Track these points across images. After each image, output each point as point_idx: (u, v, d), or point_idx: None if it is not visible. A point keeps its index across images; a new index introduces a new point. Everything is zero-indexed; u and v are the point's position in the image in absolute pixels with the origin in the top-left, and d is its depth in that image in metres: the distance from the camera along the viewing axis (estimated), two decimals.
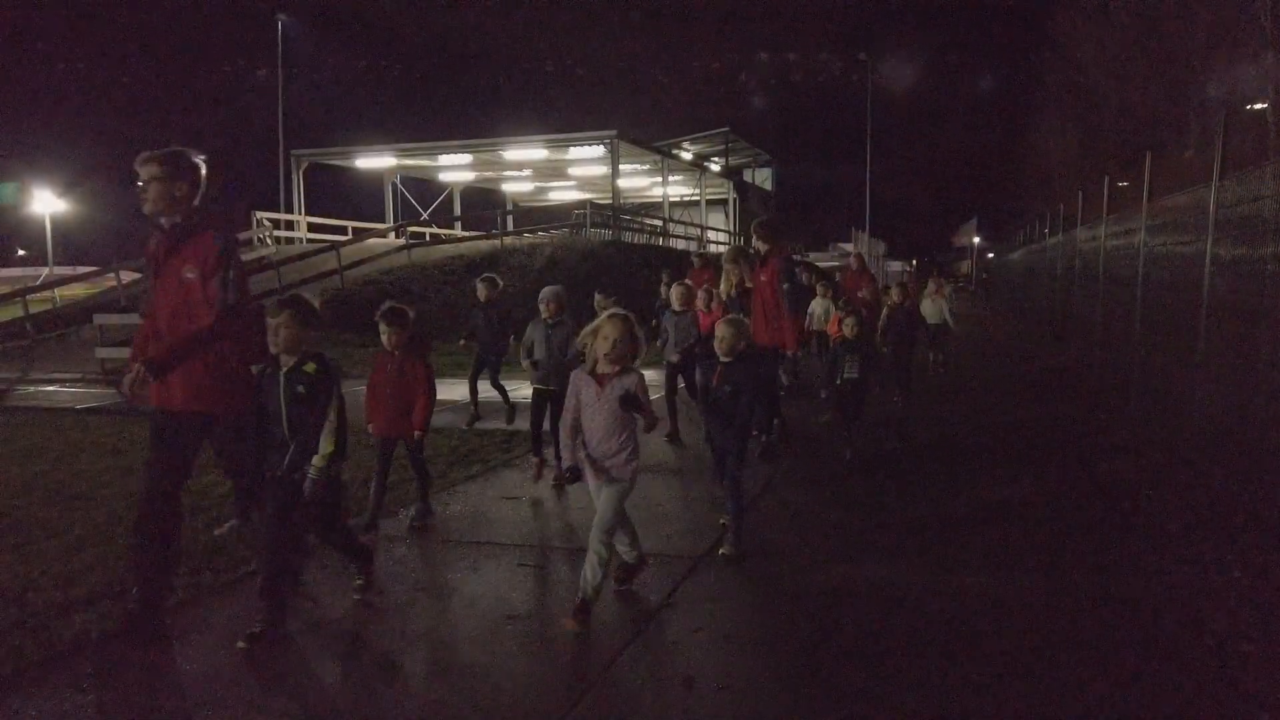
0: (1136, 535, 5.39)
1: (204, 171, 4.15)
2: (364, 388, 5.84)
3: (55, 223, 44.89)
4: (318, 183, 36.87)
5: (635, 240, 31.72)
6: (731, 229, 42.41)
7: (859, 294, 12.80)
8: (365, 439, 6.87)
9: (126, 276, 23.17)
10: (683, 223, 37.46)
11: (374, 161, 36.76)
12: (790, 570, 4.92)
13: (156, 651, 3.86)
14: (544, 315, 6.86)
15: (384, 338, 5.59)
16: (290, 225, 32.43)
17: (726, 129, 42.39)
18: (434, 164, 37.44)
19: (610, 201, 32.15)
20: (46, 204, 44.07)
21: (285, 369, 3.98)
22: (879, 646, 3.89)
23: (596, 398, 4.15)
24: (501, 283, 9.33)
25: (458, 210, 41.67)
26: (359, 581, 4.53)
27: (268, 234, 29.83)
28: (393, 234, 29.58)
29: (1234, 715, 3.32)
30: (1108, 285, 11.79)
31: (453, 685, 3.58)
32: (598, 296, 9.92)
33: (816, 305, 13.00)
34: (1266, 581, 4.46)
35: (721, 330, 5.11)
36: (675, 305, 8.62)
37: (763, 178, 49.91)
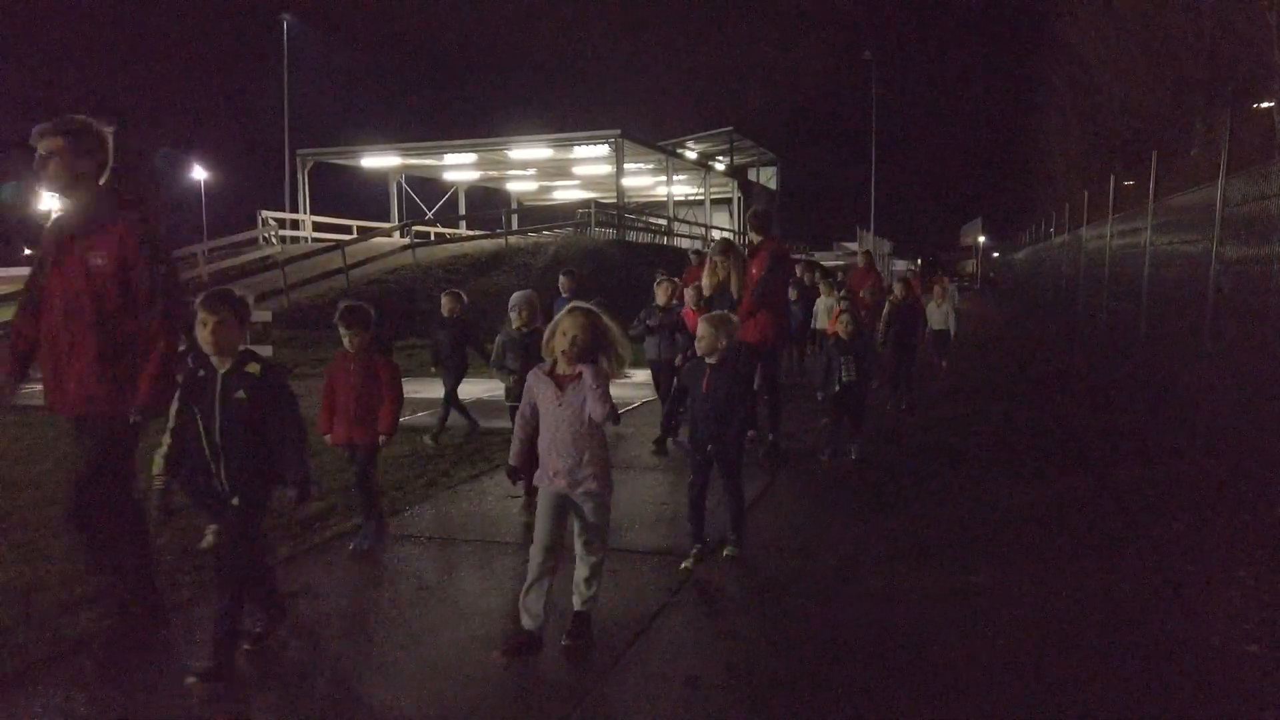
0: (1140, 535, 5.37)
1: (111, 146, 3.74)
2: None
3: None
4: (323, 182, 36.98)
5: (640, 240, 31.73)
6: (736, 228, 42.37)
7: (860, 293, 12.49)
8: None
9: None
10: (687, 222, 37.45)
11: (379, 161, 36.81)
12: (792, 572, 4.91)
13: (159, 652, 3.86)
14: (515, 324, 6.25)
15: (345, 340, 5.16)
16: (295, 225, 32.48)
17: (731, 128, 42.40)
18: (439, 163, 37.50)
19: (615, 201, 32.15)
20: (51, 203, 44.20)
21: (223, 370, 3.56)
22: (881, 647, 3.88)
23: (556, 402, 3.71)
24: (466, 298, 8.70)
25: (462, 209, 41.73)
26: (258, 630, 3.84)
27: (273, 233, 29.88)
28: (397, 233, 29.63)
29: (1239, 717, 3.31)
30: (1113, 285, 11.77)
31: (457, 684, 3.58)
32: (562, 279, 9.59)
33: (820, 304, 12.72)
34: (1272, 581, 4.44)
35: (702, 329, 4.85)
36: (659, 301, 8.40)
37: (767, 176, 49.89)
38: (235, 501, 3.54)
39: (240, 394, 3.52)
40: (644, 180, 41.67)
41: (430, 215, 39.19)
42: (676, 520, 5.83)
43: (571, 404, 3.69)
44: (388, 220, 36.23)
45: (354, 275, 21.21)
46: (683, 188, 43.21)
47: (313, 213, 33.98)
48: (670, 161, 36.70)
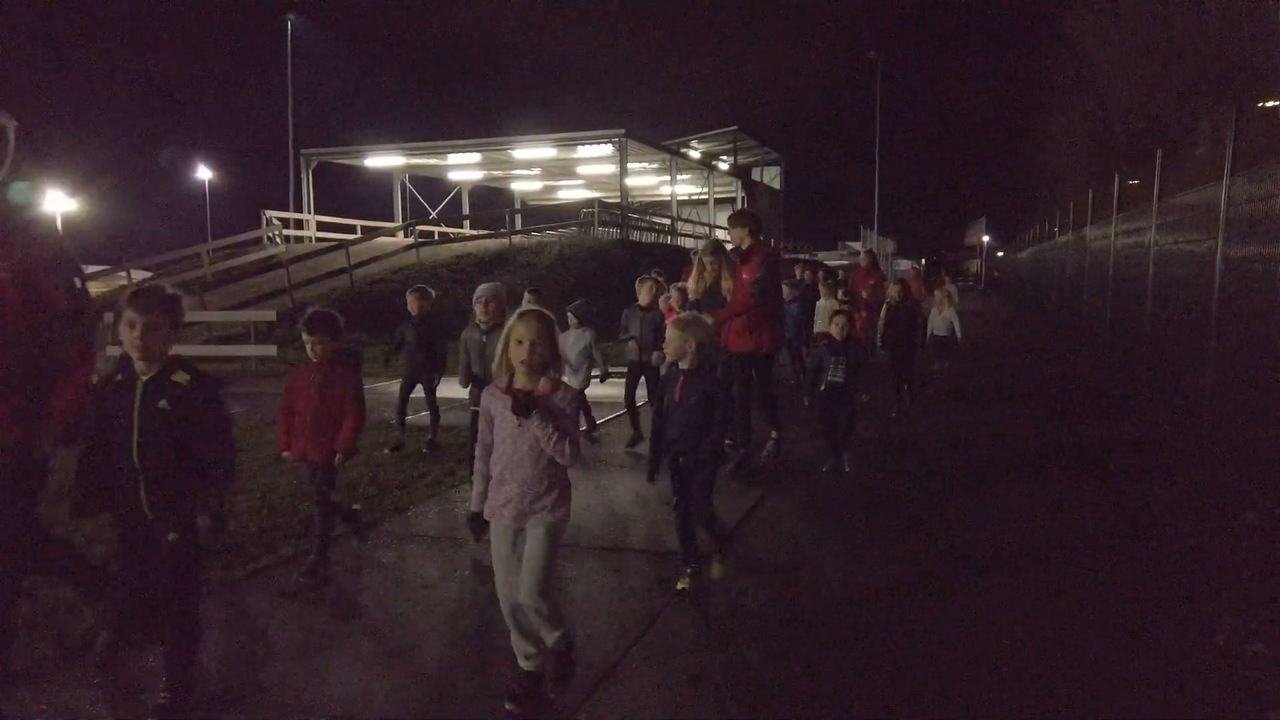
0: (1145, 535, 5.37)
1: (13, 140, 3.40)
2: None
3: (67, 221, 45.16)
4: (327, 182, 37.02)
5: (644, 239, 31.74)
6: None
7: (862, 292, 11.97)
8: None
9: (138, 275, 23.29)
10: (691, 221, 37.45)
11: (383, 160, 36.86)
12: (793, 576, 4.91)
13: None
14: (479, 318, 5.72)
15: (308, 348, 4.75)
16: (299, 224, 32.54)
17: (735, 127, 42.41)
18: (443, 163, 37.53)
19: (618, 200, 32.17)
20: (57, 203, 44.33)
21: (145, 377, 3.15)
22: (884, 648, 3.88)
23: (516, 423, 3.24)
24: (434, 294, 8.28)
25: (466, 209, 41.76)
26: (162, 700, 3.23)
27: (277, 233, 29.94)
28: (401, 233, 29.66)
29: (1245, 716, 3.30)
30: (1117, 284, 11.75)
31: (461, 682, 3.59)
32: (527, 296, 8.80)
33: (821, 306, 12.16)
34: (1276, 581, 4.44)
35: (670, 332, 4.47)
36: (641, 300, 8.08)
37: (771, 176, 49.86)
38: (171, 537, 3.14)
39: (163, 404, 3.11)
40: (648, 180, 41.67)
41: (434, 215, 39.22)
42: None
43: (535, 424, 3.22)
44: (392, 220, 36.27)
45: (358, 275, 21.25)
46: (686, 187, 43.21)
47: (317, 212, 34.05)
48: (674, 161, 36.71)
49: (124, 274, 23.55)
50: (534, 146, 33.44)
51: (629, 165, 32.94)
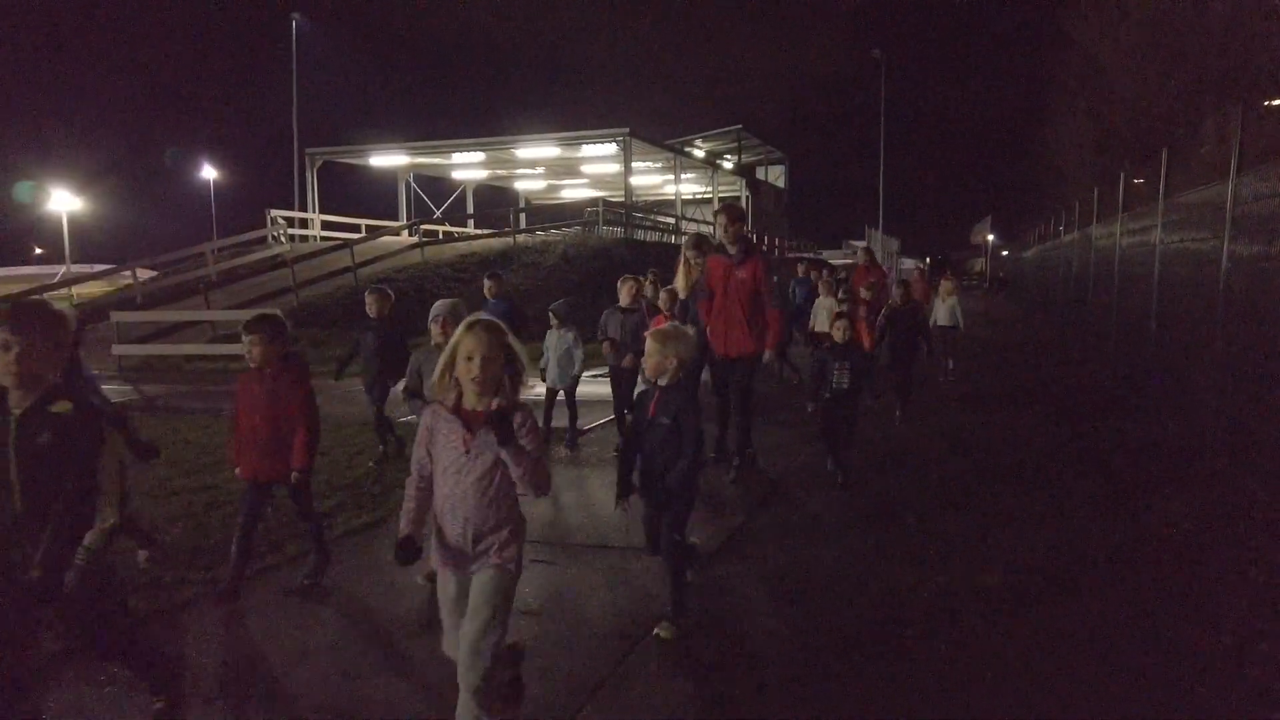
0: (1152, 535, 5.35)
1: None
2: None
3: (72, 221, 45.29)
4: (331, 181, 37.09)
5: (648, 238, 31.74)
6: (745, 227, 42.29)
7: (861, 291, 11.43)
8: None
9: (143, 274, 23.37)
10: (695, 220, 37.44)
11: (387, 160, 36.90)
12: (796, 584, 4.90)
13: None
14: (435, 339, 5.23)
15: (248, 353, 4.36)
16: (304, 223, 32.58)
17: (739, 126, 42.37)
18: (447, 162, 37.56)
19: (623, 199, 32.15)
20: (63, 202, 44.44)
21: (18, 410, 2.74)
22: (884, 651, 3.88)
23: (464, 448, 2.84)
24: (393, 295, 7.80)
25: (470, 208, 41.79)
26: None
27: (281, 232, 29.98)
28: (406, 232, 29.68)
29: (1253, 714, 3.29)
30: (1123, 283, 11.71)
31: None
32: (487, 282, 8.47)
33: (820, 305, 11.85)
34: None
35: (650, 346, 4.00)
36: (622, 302, 7.69)
37: (775, 175, 49.83)
38: (35, 573, 2.65)
39: (44, 438, 2.71)
40: (652, 179, 41.67)
41: (438, 214, 39.24)
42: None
43: (483, 454, 2.85)
44: (396, 219, 36.30)
45: (362, 274, 21.27)
46: (691, 186, 43.20)
47: (321, 211, 34.10)
48: (678, 160, 36.70)
49: (128, 273, 23.60)
50: (538, 145, 33.45)
51: (633, 164, 32.94)
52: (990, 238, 65.84)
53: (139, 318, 17.75)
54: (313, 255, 22.83)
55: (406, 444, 7.63)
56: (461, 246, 26.23)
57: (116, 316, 16.70)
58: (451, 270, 22.47)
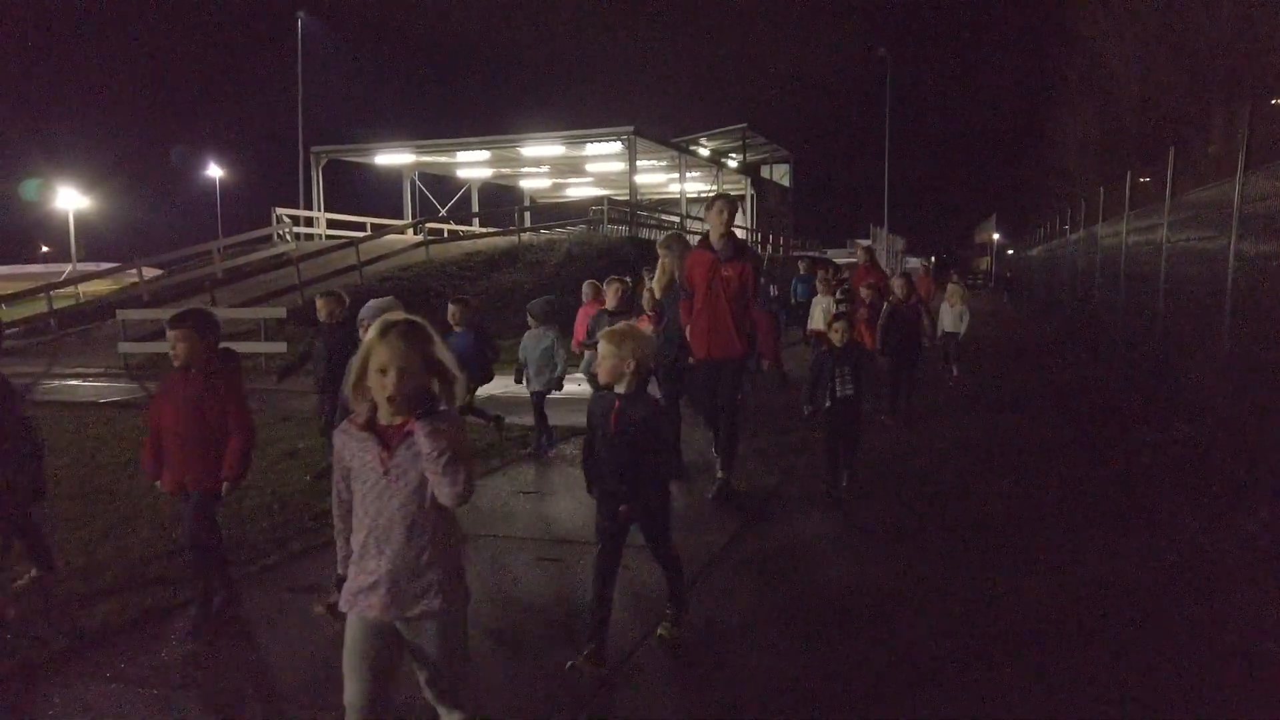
0: (1158, 534, 5.34)
1: None
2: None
3: (78, 219, 45.42)
4: (337, 179, 37.15)
5: (653, 237, 31.72)
6: (749, 225, 42.29)
7: (859, 290, 10.87)
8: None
9: (149, 272, 23.43)
10: (700, 219, 37.40)
11: (393, 158, 36.93)
12: (797, 584, 4.89)
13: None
14: None
15: (172, 350, 3.94)
16: (310, 222, 32.62)
17: (744, 125, 42.29)
18: (452, 160, 37.59)
19: (627, 197, 32.14)
20: (69, 200, 44.57)
21: None
22: (889, 651, 3.87)
23: (381, 469, 2.44)
24: (348, 299, 7.18)
25: (475, 206, 41.79)
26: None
27: (287, 230, 30.03)
28: (411, 230, 29.71)
29: (1259, 714, 3.28)
30: (1129, 282, 11.69)
31: (471, 679, 3.59)
32: (451, 308, 7.65)
33: (816, 305, 11.33)
34: None
35: (603, 347, 3.57)
36: (609, 304, 7.35)
37: (780, 173, 49.74)
38: None
39: None
40: (657, 177, 41.62)
41: (444, 212, 39.26)
42: (677, 518, 5.82)
43: (405, 473, 2.44)
44: (401, 217, 36.34)
45: (367, 272, 21.31)
46: (695, 184, 43.13)
47: (327, 210, 34.13)
48: (683, 158, 36.67)
49: (134, 271, 23.66)
50: (543, 144, 33.46)
51: (638, 163, 32.94)
52: (995, 236, 65.76)
53: (144, 315, 17.78)
54: (318, 254, 22.86)
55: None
56: (466, 245, 26.25)
57: (122, 314, 16.74)
58: (456, 269, 22.50)
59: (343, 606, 2.53)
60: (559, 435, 8.00)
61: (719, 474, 6.29)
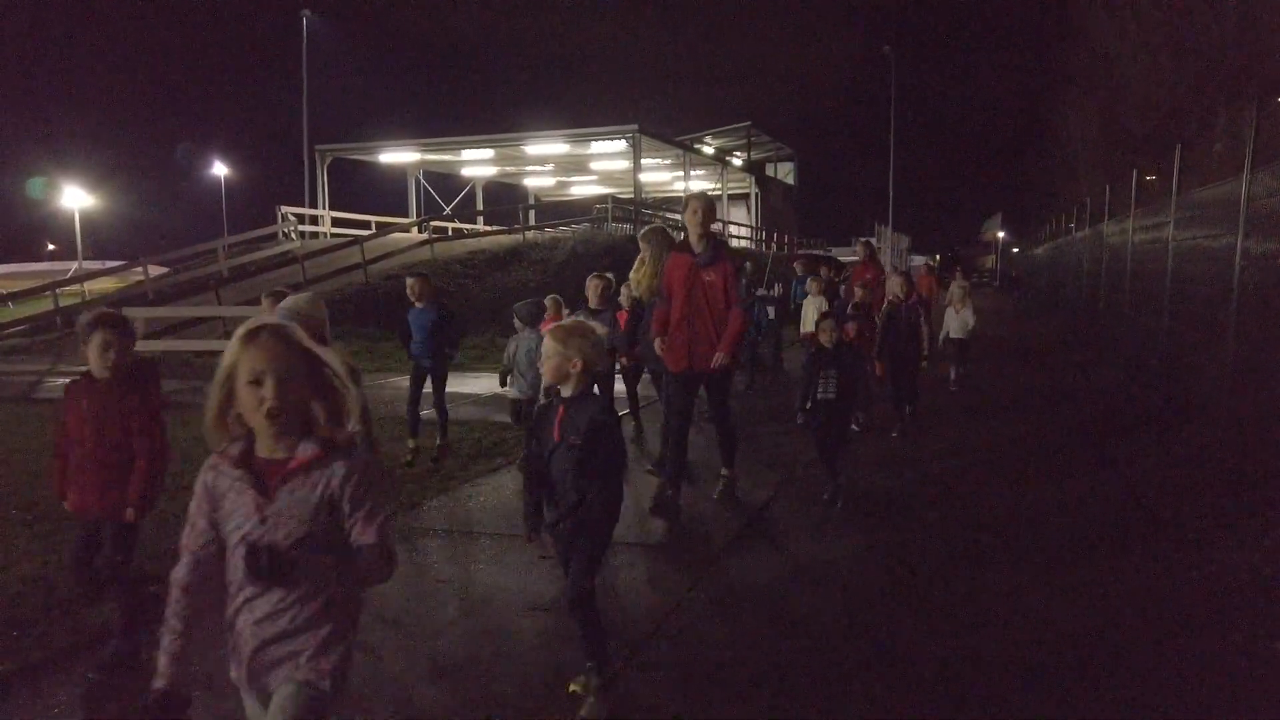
0: (1164, 534, 5.32)
1: None
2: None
3: (84, 217, 45.56)
4: (341, 178, 37.13)
5: None
6: (753, 223, 42.27)
7: (856, 290, 10.01)
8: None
9: (154, 271, 23.47)
10: None
11: (397, 156, 36.94)
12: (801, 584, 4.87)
13: None
14: None
15: (92, 357, 3.54)
16: (314, 220, 32.65)
17: (748, 123, 42.28)
18: (456, 159, 37.60)
19: (632, 196, 32.13)
20: (75, 199, 44.70)
21: None
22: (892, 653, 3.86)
23: (258, 517, 1.96)
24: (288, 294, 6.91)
25: (480, 205, 41.81)
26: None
27: (292, 229, 30.06)
28: (415, 229, 29.73)
29: (1265, 714, 3.27)
30: (1135, 281, 11.65)
31: (475, 677, 3.59)
32: (411, 282, 7.35)
33: (809, 305, 10.65)
34: None
35: (548, 345, 3.25)
36: (591, 302, 7.16)
37: (785, 172, 49.68)
38: None
39: None
40: (661, 175, 41.59)
41: (448, 210, 39.26)
42: (684, 516, 5.84)
43: (287, 522, 1.96)
44: (406, 215, 36.36)
45: (372, 271, 21.33)
46: (700, 183, 43.08)
47: (331, 208, 34.15)
48: (688, 156, 36.63)
49: (140, 270, 23.71)
50: (547, 142, 33.46)
51: (642, 161, 32.90)
52: (1001, 234, 65.61)
53: (150, 314, 17.83)
54: (323, 252, 22.89)
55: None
56: (471, 243, 26.25)
57: (128, 313, 16.69)
58: (461, 267, 22.51)
59: (232, 676, 2.09)
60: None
61: (723, 472, 6.17)
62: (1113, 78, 24.87)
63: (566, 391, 3.26)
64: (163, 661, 1.99)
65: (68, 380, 3.76)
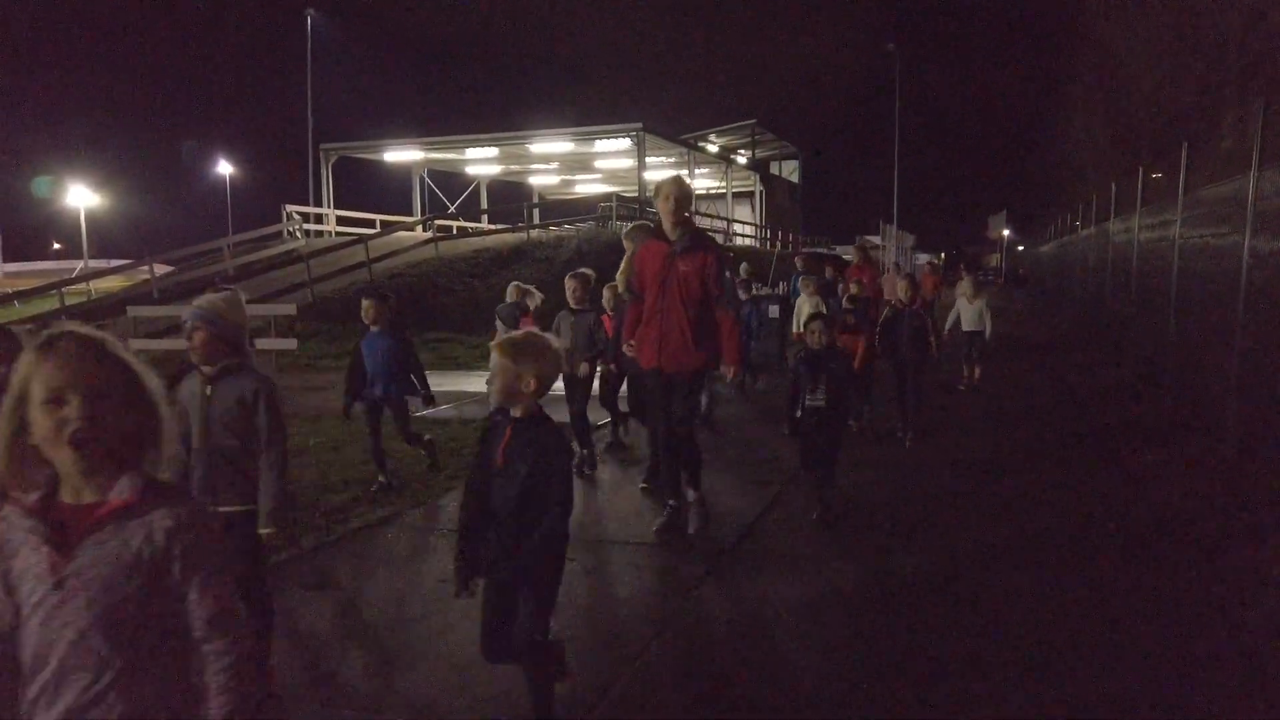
0: (1171, 535, 5.30)
1: None
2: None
3: (89, 216, 45.66)
4: (346, 176, 37.22)
5: None
6: (758, 221, 42.24)
7: (852, 288, 9.50)
8: None
9: (160, 269, 23.51)
10: (709, 215, 37.36)
11: (402, 155, 36.99)
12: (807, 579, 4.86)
13: None
14: (195, 356, 3.34)
15: None
16: (319, 219, 32.71)
17: (753, 121, 42.24)
18: (461, 157, 37.65)
19: (636, 194, 32.12)
20: (81, 198, 44.81)
21: None
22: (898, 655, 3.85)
23: (51, 580, 1.51)
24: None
25: (484, 203, 41.85)
26: None
27: (297, 227, 30.12)
28: (420, 227, 29.76)
29: (1270, 715, 3.26)
30: (1141, 279, 11.62)
31: (480, 677, 3.59)
32: (366, 304, 6.34)
33: (803, 305, 10.15)
34: None
35: (496, 359, 2.87)
36: (572, 302, 6.80)
37: (789, 170, 49.67)
38: None
39: None
40: (666, 173, 41.53)
41: (453, 209, 39.31)
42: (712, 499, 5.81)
43: (90, 586, 1.51)
44: (410, 214, 36.40)
45: (377, 269, 21.35)
46: (704, 181, 43.10)
47: (336, 207, 34.22)
48: (692, 155, 36.63)
49: (145, 268, 23.76)
50: (552, 140, 33.48)
51: (647, 159, 32.90)
52: (1006, 232, 65.45)
53: (155, 313, 17.85)
54: (328, 250, 22.93)
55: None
56: (475, 242, 26.27)
57: (133, 311, 16.83)
58: (465, 265, 22.53)
59: None
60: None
61: (669, 501, 5.30)
62: (1119, 75, 24.79)
63: (516, 412, 2.90)
64: None
65: None
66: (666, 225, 5.19)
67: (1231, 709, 3.28)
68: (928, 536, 5.30)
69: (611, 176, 41.82)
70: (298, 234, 29.86)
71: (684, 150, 36.01)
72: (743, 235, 38.60)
